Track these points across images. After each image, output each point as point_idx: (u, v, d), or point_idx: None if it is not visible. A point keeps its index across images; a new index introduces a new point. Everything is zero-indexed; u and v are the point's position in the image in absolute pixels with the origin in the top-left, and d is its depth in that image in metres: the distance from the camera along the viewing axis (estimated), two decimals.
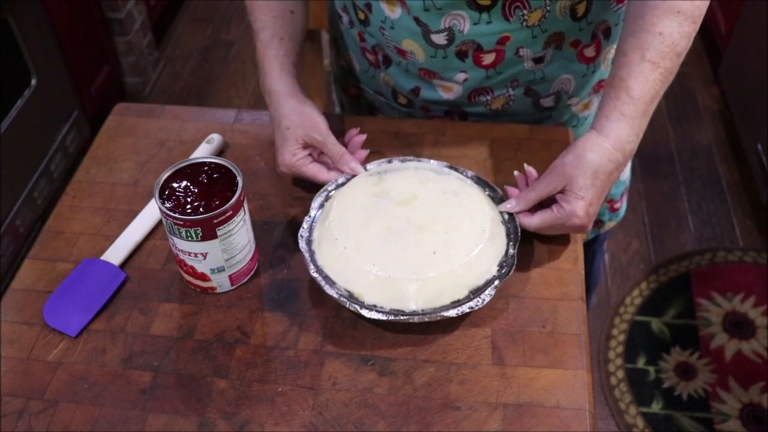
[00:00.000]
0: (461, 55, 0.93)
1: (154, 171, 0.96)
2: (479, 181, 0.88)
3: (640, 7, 0.83)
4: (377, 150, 0.96)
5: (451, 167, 0.90)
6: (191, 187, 0.77)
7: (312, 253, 0.81)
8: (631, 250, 2.08)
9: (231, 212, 0.76)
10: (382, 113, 1.11)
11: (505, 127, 1.00)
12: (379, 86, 1.06)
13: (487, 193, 0.87)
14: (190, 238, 0.76)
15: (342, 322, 0.79)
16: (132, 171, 0.97)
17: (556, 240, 0.86)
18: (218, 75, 2.70)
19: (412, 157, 0.91)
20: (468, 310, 0.76)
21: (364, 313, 0.76)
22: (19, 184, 1.88)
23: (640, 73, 0.81)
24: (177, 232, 0.76)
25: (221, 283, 0.81)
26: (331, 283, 0.79)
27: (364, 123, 1.01)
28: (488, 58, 0.93)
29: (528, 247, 0.85)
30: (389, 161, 0.91)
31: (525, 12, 0.88)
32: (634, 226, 2.13)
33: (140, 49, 2.50)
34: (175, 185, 0.78)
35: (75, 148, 2.14)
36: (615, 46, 0.92)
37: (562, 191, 0.81)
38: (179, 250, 0.79)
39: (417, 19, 0.90)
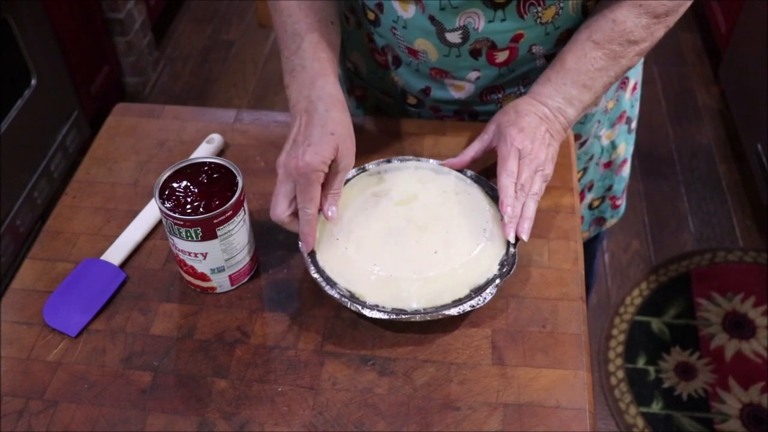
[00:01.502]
0: (475, 53, 0.93)
1: (154, 171, 0.96)
2: (479, 181, 0.88)
3: None
4: (377, 150, 0.97)
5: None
6: (191, 187, 0.77)
7: (312, 254, 0.81)
8: (631, 250, 2.08)
9: (231, 212, 0.76)
10: (388, 114, 1.10)
11: None
12: (387, 87, 1.05)
13: (487, 192, 0.87)
14: (190, 238, 0.76)
15: (342, 322, 0.79)
16: (132, 171, 0.97)
17: (556, 240, 0.86)
18: (218, 75, 2.70)
19: (412, 157, 0.91)
20: (469, 309, 0.76)
21: (366, 312, 0.76)
22: (19, 184, 1.88)
23: (579, 49, 0.86)
24: (177, 232, 0.76)
25: (221, 283, 0.81)
26: (332, 283, 0.78)
27: (365, 122, 1.01)
28: (502, 56, 0.93)
29: (528, 247, 0.85)
30: (389, 161, 0.91)
31: (539, 9, 0.88)
32: (634, 226, 2.13)
33: (140, 49, 2.50)
34: (175, 185, 0.78)
35: (75, 148, 2.14)
36: None
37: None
38: (179, 250, 0.79)
39: (432, 18, 0.89)
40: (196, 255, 0.78)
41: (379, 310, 0.76)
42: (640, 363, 1.82)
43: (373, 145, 0.97)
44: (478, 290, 0.78)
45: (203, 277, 0.80)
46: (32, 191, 1.93)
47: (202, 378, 0.75)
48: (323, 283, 0.78)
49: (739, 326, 1.88)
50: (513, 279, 0.81)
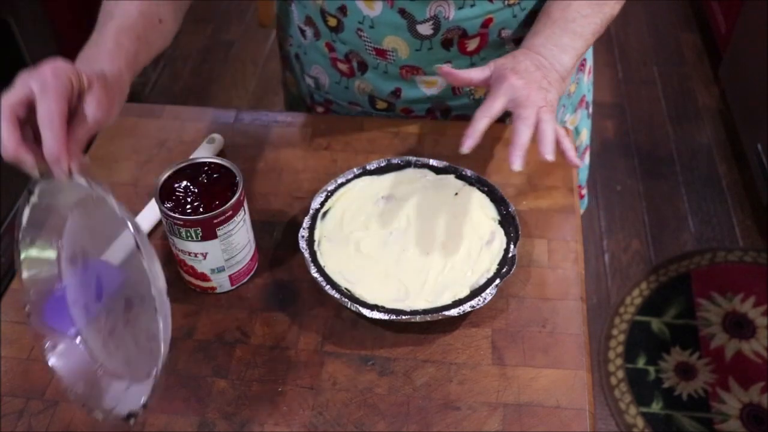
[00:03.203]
0: (446, 43, 0.93)
1: (154, 171, 0.96)
2: (479, 181, 0.88)
3: None
4: (377, 150, 0.97)
5: (451, 167, 0.90)
6: (191, 187, 0.77)
7: (312, 253, 0.81)
8: (631, 250, 2.07)
9: (231, 212, 0.76)
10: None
11: (506, 127, 1.00)
12: (353, 96, 1.03)
13: (487, 192, 0.87)
14: (190, 238, 0.76)
15: (342, 322, 0.79)
16: (132, 171, 0.97)
17: (556, 240, 0.86)
18: (218, 75, 2.70)
19: (412, 157, 0.91)
20: (469, 309, 0.76)
21: (366, 312, 0.76)
22: (19, 184, 1.88)
23: (563, 2, 0.87)
24: (177, 233, 0.76)
25: (221, 283, 0.81)
26: (332, 283, 0.78)
27: (364, 123, 1.01)
28: (473, 44, 0.93)
29: (528, 247, 0.85)
30: (389, 161, 0.91)
31: None
32: (634, 226, 2.13)
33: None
34: (175, 185, 0.78)
35: None
36: None
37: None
38: (179, 250, 0.79)
39: (402, 11, 0.89)
40: (196, 255, 0.78)
41: (379, 311, 0.76)
42: (640, 363, 1.82)
43: (373, 145, 0.97)
44: (477, 290, 0.78)
45: (203, 277, 0.80)
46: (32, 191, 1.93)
47: (202, 378, 0.75)
48: (323, 283, 0.78)
49: (739, 326, 1.88)
50: (513, 279, 0.81)
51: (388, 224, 0.83)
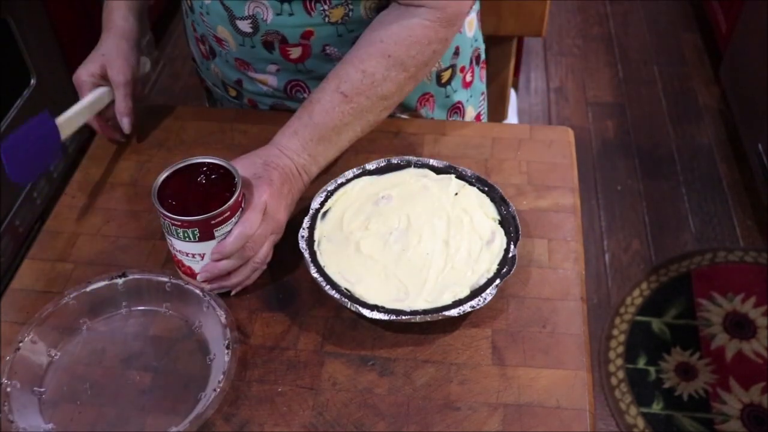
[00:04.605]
0: (268, 45, 0.93)
1: (153, 171, 0.96)
2: (479, 181, 0.88)
3: (360, 40, 0.86)
4: (377, 150, 0.96)
5: (451, 167, 0.89)
6: (189, 187, 0.77)
7: (312, 254, 0.81)
8: (631, 250, 2.07)
9: (228, 213, 0.76)
10: (222, 105, 1.10)
11: (506, 127, 1.00)
12: (212, 77, 1.06)
13: (486, 192, 0.87)
14: (187, 239, 0.76)
15: (342, 322, 0.79)
16: (132, 171, 0.97)
17: (556, 240, 0.86)
18: None
19: (412, 157, 0.91)
20: (469, 309, 0.76)
21: (366, 313, 0.76)
22: (18, 184, 1.88)
23: (328, 101, 0.84)
24: (174, 233, 0.76)
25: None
26: (332, 283, 0.78)
27: None
28: (295, 52, 0.93)
29: (528, 247, 0.85)
30: (389, 161, 0.91)
31: (326, 8, 0.88)
32: (634, 226, 2.13)
33: (140, 49, 2.50)
34: (173, 185, 0.77)
35: (74, 148, 2.14)
36: None
37: None
38: (177, 251, 0.78)
39: (223, 4, 0.90)
40: (193, 256, 0.78)
41: (379, 311, 0.76)
42: (641, 363, 1.82)
43: (373, 145, 0.97)
44: (478, 291, 0.77)
45: None
46: (31, 191, 1.93)
47: (203, 378, 0.75)
48: (323, 283, 0.78)
49: (739, 326, 1.88)
50: (513, 279, 0.81)
51: (388, 224, 0.83)
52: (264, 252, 0.79)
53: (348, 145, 0.88)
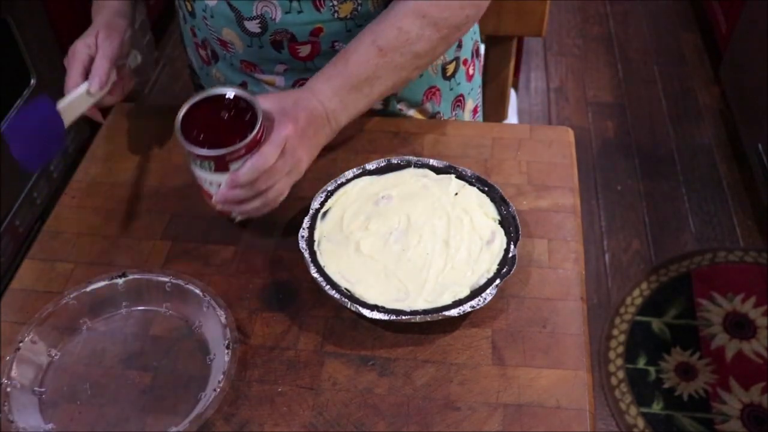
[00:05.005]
0: (276, 45, 0.92)
1: (153, 171, 0.96)
2: (479, 181, 0.88)
3: (394, 2, 0.87)
4: (377, 150, 0.96)
5: (451, 167, 0.89)
6: (215, 118, 0.79)
7: (312, 254, 0.81)
8: (631, 250, 2.07)
9: (244, 151, 0.76)
10: None
11: (506, 127, 1.00)
12: (213, 83, 1.05)
13: (486, 192, 0.87)
14: (204, 169, 0.78)
15: (342, 322, 0.79)
16: (132, 171, 0.97)
17: (556, 240, 0.86)
18: None
19: (412, 157, 0.91)
20: (469, 309, 0.76)
21: (366, 313, 0.76)
22: (18, 184, 1.88)
23: (364, 53, 0.84)
24: (193, 161, 0.78)
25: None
26: (332, 283, 0.78)
27: (363, 122, 1.01)
28: (304, 50, 0.93)
29: (528, 247, 0.85)
30: (389, 161, 0.91)
31: (335, 3, 0.88)
32: (634, 226, 2.13)
33: (140, 49, 2.50)
34: (201, 113, 0.79)
35: (74, 148, 2.14)
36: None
37: None
38: (197, 176, 0.80)
39: (230, 5, 0.90)
40: (210, 183, 0.79)
41: (379, 311, 0.76)
42: (641, 363, 1.82)
43: (373, 145, 0.97)
44: (478, 291, 0.77)
45: None
46: (31, 191, 1.93)
47: (203, 378, 0.75)
48: (323, 283, 0.78)
49: (739, 326, 1.88)
50: (513, 279, 0.81)
51: (388, 224, 0.83)
52: (277, 188, 0.79)
53: (378, 99, 0.88)
